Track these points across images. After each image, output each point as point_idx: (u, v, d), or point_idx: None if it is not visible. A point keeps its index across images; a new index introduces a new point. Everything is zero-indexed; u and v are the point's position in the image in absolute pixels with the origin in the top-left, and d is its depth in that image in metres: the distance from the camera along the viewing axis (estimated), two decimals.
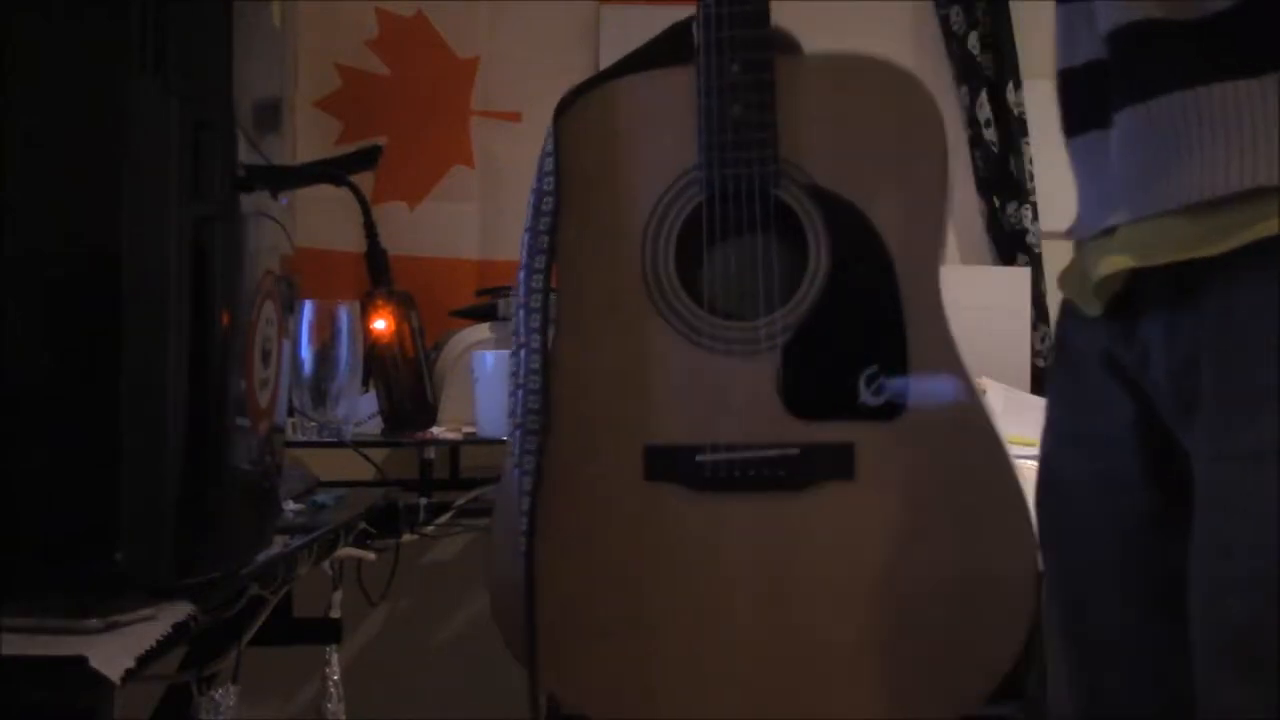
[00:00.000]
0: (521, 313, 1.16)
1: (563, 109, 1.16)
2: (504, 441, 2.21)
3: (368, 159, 1.11)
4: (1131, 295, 0.87)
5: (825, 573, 1.00)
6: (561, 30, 2.70)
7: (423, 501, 2.29)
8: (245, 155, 0.91)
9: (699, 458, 1.06)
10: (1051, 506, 0.95)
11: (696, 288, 1.07)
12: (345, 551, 1.41)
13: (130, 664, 0.73)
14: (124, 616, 0.78)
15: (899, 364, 1.00)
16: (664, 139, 1.09)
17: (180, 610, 0.82)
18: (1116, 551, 0.90)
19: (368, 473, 2.18)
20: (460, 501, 2.40)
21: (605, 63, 2.74)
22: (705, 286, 1.08)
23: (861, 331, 1.03)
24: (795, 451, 1.03)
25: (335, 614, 1.75)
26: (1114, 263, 0.85)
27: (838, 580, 1.00)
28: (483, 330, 2.39)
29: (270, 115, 0.99)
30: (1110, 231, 0.87)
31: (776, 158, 1.04)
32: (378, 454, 2.24)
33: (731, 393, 1.05)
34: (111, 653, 0.73)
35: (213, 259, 0.86)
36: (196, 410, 0.85)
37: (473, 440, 2.23)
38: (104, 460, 0.81)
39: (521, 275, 1.16)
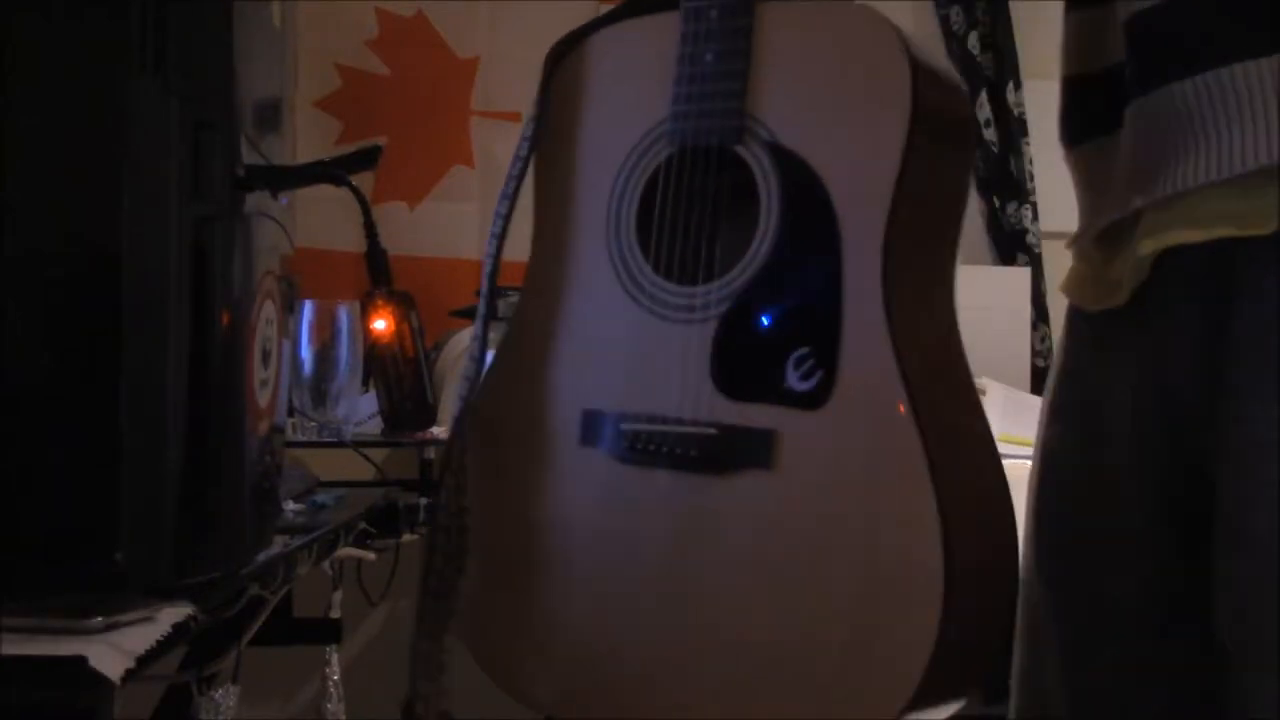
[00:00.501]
0: (488, 263, 1.15)
1: (553, 59, 1.12)
2: None
3: (368, 159, 1.11)
4: (1152, 283, 0.87)
5: (730, 567, 0.94)
6: (561, 30, 2.69)
7: (423, 501, 2.29)
8: (245, 155, 0.91)
9: (623, 426, 1.00)
10: (1055, 513, 0.95)
11: (659, 246, 1.01)
12: (345, 551, 1.41)
13: (130, 664, 0.73)
14: (124, 616, 0.78)
15: (829, 349, 0.91)
16: (646, 89, 1.02)
17: (180, 610, 0.82)
18: (1131, 556, 0.91)
19: (368, 473, 2.18)
20: None
21: None
22: (658, 248, 1.01)
23: (797, 310, 0.94)
24: (713, 432, 0.95)
25: (335, 614, 1.75)
26: (1174, 237, 0.84)
27: (741, 576, 0.94)
28: None
29: (270, 115, 0.99)
30: (1136, 216, 0.87)
31: (742, 111, 0.97)
32: (378, 454, 2.24)
33: (668, 362, 0.98)
34: (111, 653, 0.73)
35: (213, 259, 0.86)
36: (196, 410, 0.85)
37: None
38: (104, 460, 0.81)
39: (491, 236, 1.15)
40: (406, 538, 2.06)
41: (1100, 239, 0.92)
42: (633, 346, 1.02)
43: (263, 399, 0.97)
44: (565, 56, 1.11)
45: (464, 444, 1.07)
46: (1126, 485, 0.89)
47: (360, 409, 1.87)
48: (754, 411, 0.94)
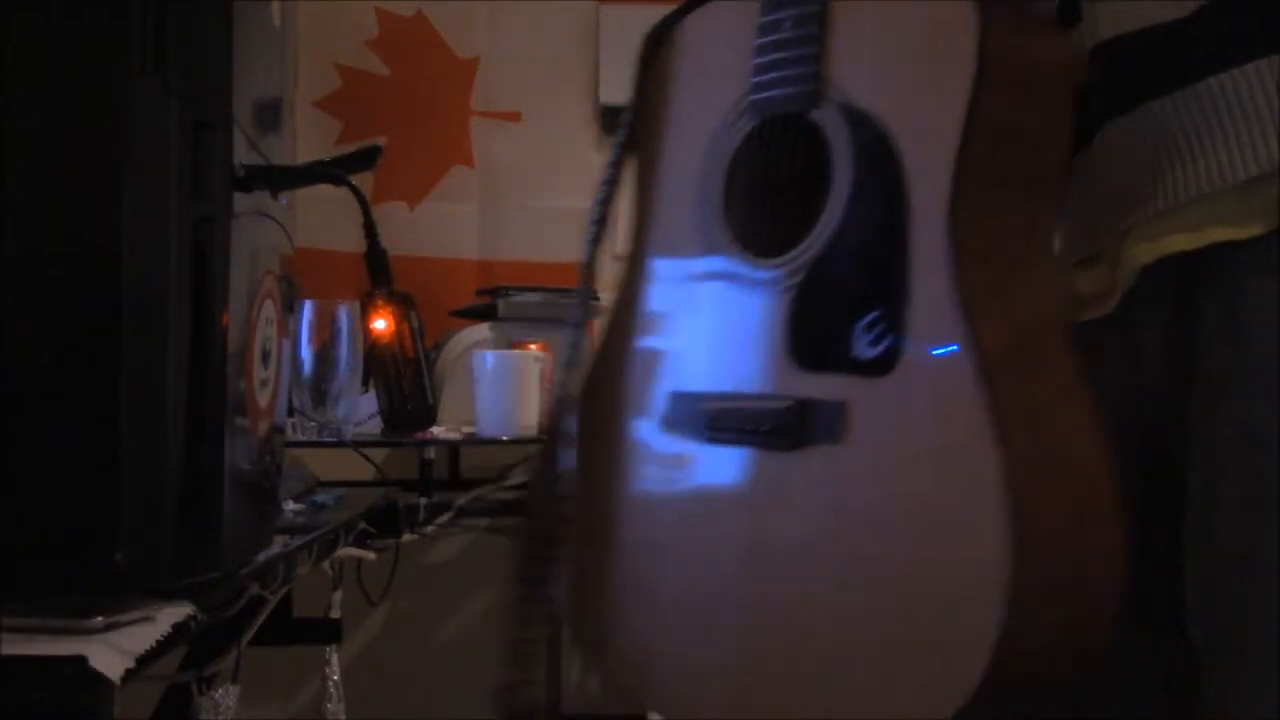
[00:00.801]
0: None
1: (650, 44, 1.08)
2: (503, 441, 2.23)
3: (368, 159, 1.11)
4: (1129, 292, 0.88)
5: (801, 544, 0.92)
6: (561, 30, 2.70)
7: (423, 501, 2.29)
8: (245, 155, 0.91)
9: (704, 406, 0.99)
10: None
11: (744, 223, 1.00)
12: (345, 551, 1.41)
13: (130, 664, 0.73)
14: (124, 616, 0.78)
15: (897, 314, 0.88)
16: (734, 65, 1.00)
17: (180, 610, 0.82)
18: None
19: (368, 473, 2.18)
20: (460, 501, 2.40)
21: (605, 63, 2.76)
22: (741, 224, 1.00)
23: (867, 275, 0.91)
24: (786, 406, 0.93)
25: (335, 614, 1.75)
26: (1169, 244, 0.85)
27: (811, 553, 0.92)
28: (483, 330, 2.39)
29: (270, 115, 0.99)
30: (1125, 231, 0.88)
31: (817, 75, 0.94)
32: (378, 454, 2.24)
33: (748, 338, 0.97)
34: (111, 653, 0.73)
35: (213, 259, 0.86)
36: (196, 410, 0.85)
37: (473, 440, 2.24)
38: (104, 460, 0.81)
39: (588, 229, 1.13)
40: (406, 538, 2.06)
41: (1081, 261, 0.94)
42: (716, 325, 1.01)
43: (263, 399, 0.97)
44: (660, 42, 1.07)
45: (559, 435, 1.07)
46: None
47: (360, 409, 1.87)
48: (825, 382, 0.92)
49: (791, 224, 0.96)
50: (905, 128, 0.90)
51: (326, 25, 2.59)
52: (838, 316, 0.92)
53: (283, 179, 0.98)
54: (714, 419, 0.98)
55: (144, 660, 0.75)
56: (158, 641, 0.77)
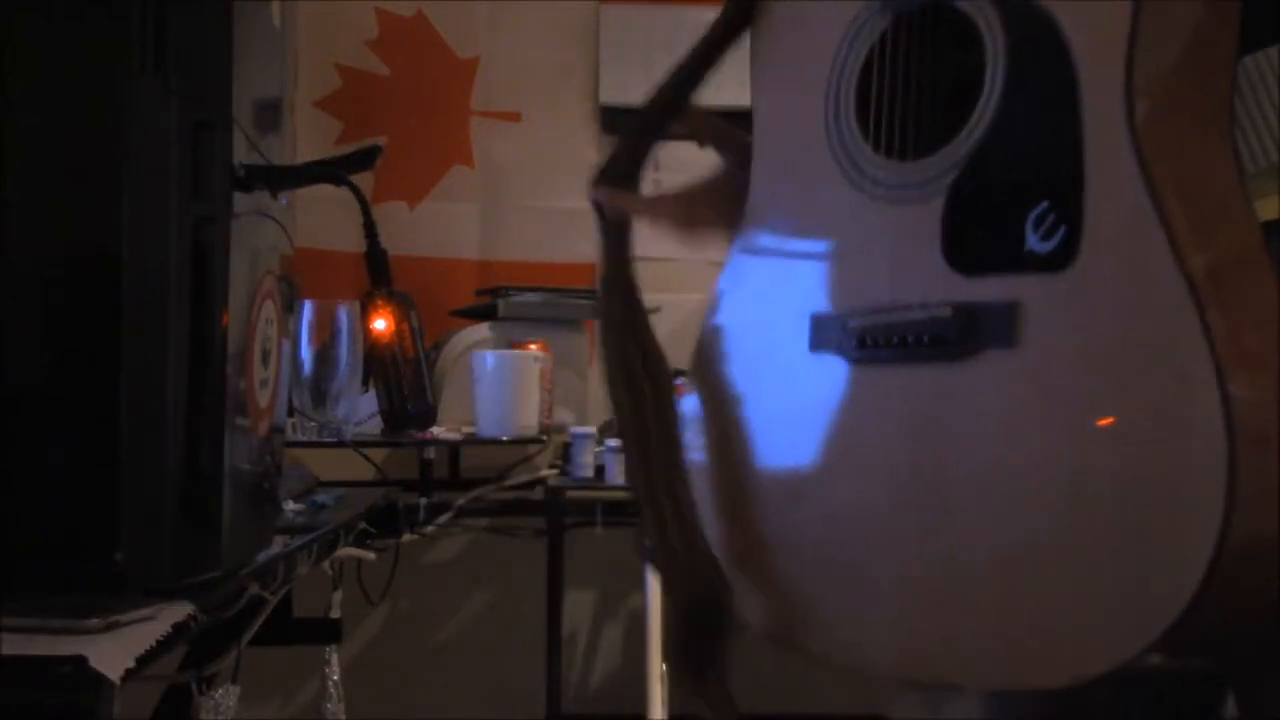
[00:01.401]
0: None
1: None
2: (503, 441, 2.24)
3: (368, 159, 1.11)
4: None
5: (975, 463, 0.84)
6: (561, 30, 2.70)
7: (423, 501, 2.29)
8: (245, 155, 0.91)
9: (851, 324, 0.92)
10: None
11: (883, 127, 0.93)
12: (345, 551, 1.41)
13: (130, 664, 0.73)
14: (124, 616, 0.78)
15: (1072, 201, 0.81)
16: None
17: (180, 610, 0.82)
18: None
19: (368, 473, 2.19)
20: (460, 501, 2.40)
21: (605, 63, 2.76)
22: (878, 126, 0.93)
23: (1033, 165, 0.85)
24: (948, 313, 0.86)
25: (335, 614, 1.75)
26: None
27: (989, 470, 0.84)
28: (483, 330, 2.39)
29: (270, 115, 0.99)
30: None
31: None
32: (378, 454, 2.24)
33: (894, 246, 0.90)
34: (111, 653, 0.73)
35: (213, 259, 0.86)
36: (196, 410, 0.85)
37: (473, 440, 2.24)
38: (104, 460, 0.81)
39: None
40: (406, 538, 2.06)
41: None
42: (858, 238, 0.93)
43: (263, 399, 0.97)
44: None
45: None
46: None
47: (360, 409, 1.87)
48: (991, 284, 0.85)
49: (937, 122, 0.89)
50: (1070, 7, 0.83)
51: (326, 25, 2.59)
52: (1002, 212, 0.85)
53: (283, 179, 0.98)
54: (865, 336, 0.91)
55: (144, 660, 0.75)
56: (158, 641, 0.77)
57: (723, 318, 1.04)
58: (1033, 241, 0.82)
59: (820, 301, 0.96)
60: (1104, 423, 0.79)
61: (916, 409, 0.88)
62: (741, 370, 1.01)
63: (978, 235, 0.87)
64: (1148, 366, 0.78)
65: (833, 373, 0.93)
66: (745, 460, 0.99)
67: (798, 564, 0.95)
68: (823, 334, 0.95)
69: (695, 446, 1.01)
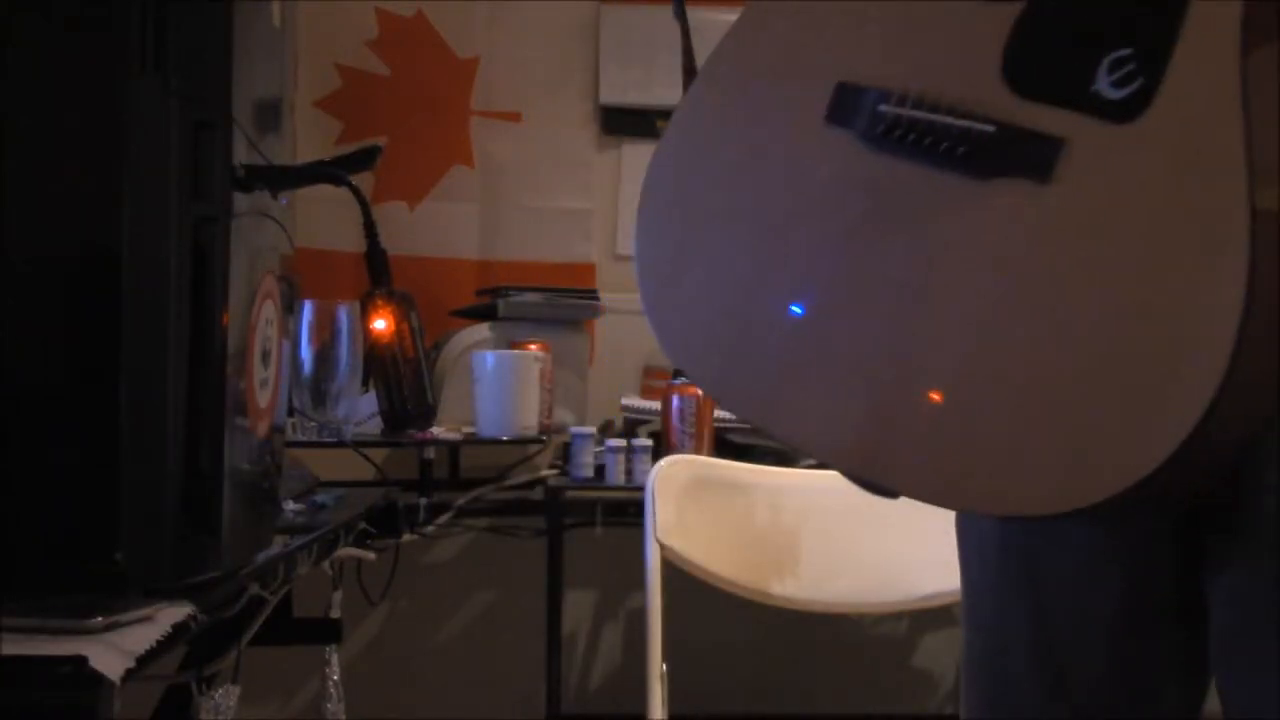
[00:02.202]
0: None
1: None
2: (503, 441, 2.24)
3: (368, 159, 1.11)
4: None
5: (977, 287, 0.81)
6: (561, 30, 2.70)
7: (423, 501, 2.29)
8: (245, 155, 0.91)
9: (881, 108, 0.85)
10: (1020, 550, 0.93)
11: None
12: (345, 551, 1.41)
13: (130, 664, 0.73)
14: (124, 616, 0.78)
15: (1158, 56, 0.76)
16: None
17: (180, 610, 0.82)
18: (1118, 597, 0.89)
19: (368, 473, 2.19)
20: (460, 501, 2.40)
21: (605, 63, 2.76)
22: None
23: (1133, 5, 0.79)
24: (990, 130, 0.81)
25: (335, 614, 1.75)
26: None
27: (989, 290, 0.81)
28: (483, 330, 2.39)
29: (270, 115, 0.99)
30: None
31: None
32: (378, 454, 2.24)
33: (951, 39, 0.84)
34: (111, 653, 0.73)
35: (213, 259, 0.86)
36: (196, 410, 0.85)
37: (473, 440, 2.24)
38: (104, 460, 0.81)
39: None
40: (406, 538, 2.06)
41: None
42: (909, 12, 0.87)
43: (263, 399, 0.97)
44: None
45: None
46: None
47: (360, 409, 1.87)
48: (1042, 113, 0.80)
49: None
50: None
51: (326, 25, 2.59)
52: (1080, 43, 0.80)
53: (283, 179, 0.98)
54: (893, 126, 0.84)
55: (144, 660, 0.75)
56: (158, 641, 0.77)
57: (737, 51, 0.94)
58: (1103, 84, 0.79)
59: (852, 69, 0.88)
60: (1114, 272, 0.77)
61: (925, 213, 0.83)
62: (742, 115, 0.93)
63: (1046, 58, 0.81)
64: (1182, 231, 0.76)
65: (844, 151, 0.87)
66: (732, 211, 0.92)
67: (773, 338, 0.89)
68: (845, 106, 0.87)
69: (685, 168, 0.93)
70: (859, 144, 0.86)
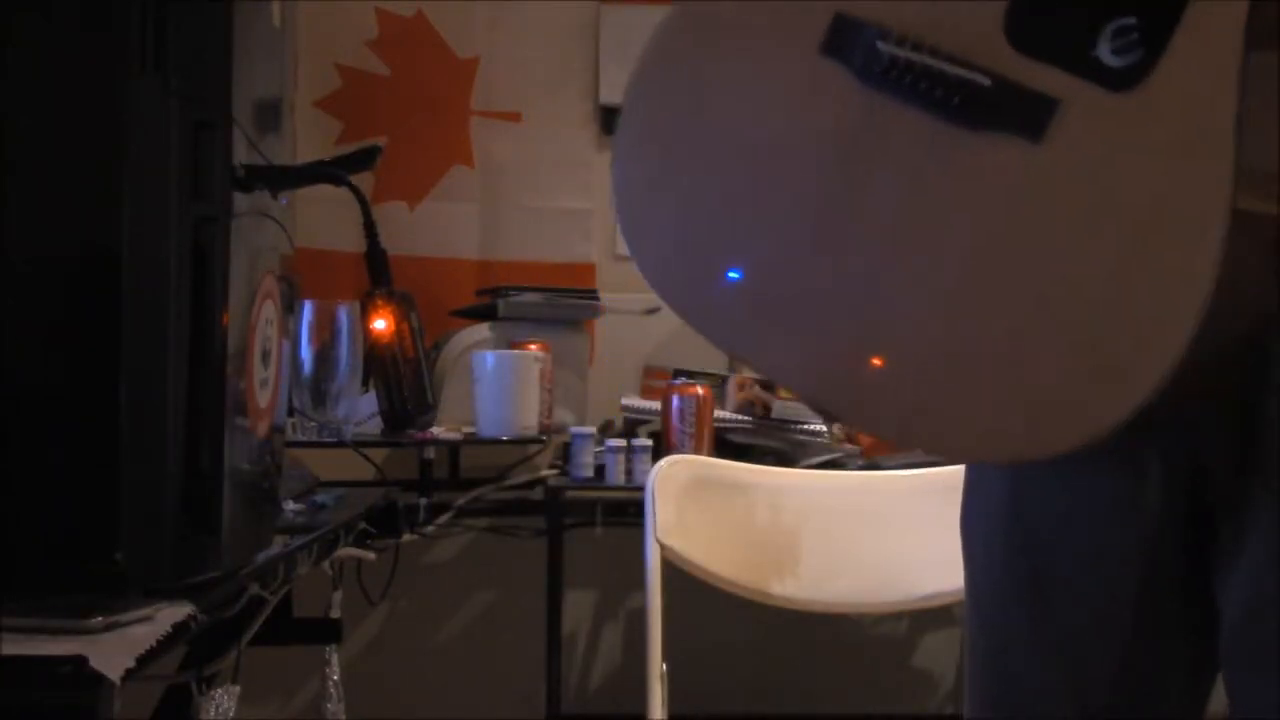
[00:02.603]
0: None
1: None
2: (503, 441, 2.24)
3: (368, 159, 1.11)
4: None
5: (956, 235, 0.83)
6: (561, 30, 2.70)
7: (423, 501, 2.29)
8: (245, 155, 0.91)
9: (880, 45, 0.85)
10: (1029, 550, 0.93)
11: None
12: (345, 551, 1.41)
13: (130, 664, 0.73)
14: (124, 616, 0.78)
15: (1162, 27, 0.78)
16: None
17: (180, 610, 0.82)
18: (1129, 597, 0.88)
19: (368, 473, 2.19)
20: (460, 501, 2.40)
21: (605, 63, 2.76)
22: None
23: None
24: (986, 83, 0.82)
25: (335, 614, 1.75)
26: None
27: (963, 249, 0.83)
28: (483, 330, 2.39)
29: (270, 115, 0.99)
30: None
31: None
32: (378, 454, 2.24)
33: None
34: (111, 653, 0.73)
35: (213, 259, 0.86)
36: (196, 410, 0.85)
37: (473, 440, 2.24)
38: (104, 460, 0.81)
39: None
40: (406, 538, 2.06)
41: None
42: None
43: (263, 399, 0.97)
44: None
45: None
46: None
47: (360, 409, 1.87)
48: (1039, 71, 0.81)
49: None
50: None
51: (326, 25, 2.59)
52: (1083, 8, 0.81)
53: (283, 179, 0.98)
54: (891, 65, 0.84)
55: (144, 660, 0.75)
56: (158, 641, 0.77)
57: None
58: (1103, 50, 0.79)
59: (852, 1, 0.87)
60: (1092, 245, 0.79)
61: (911, 158, 0.84)
62: (732, 37, 0.92)
63: (1049, 17, 0.82)
64: (1163, 209, 0.78)
65: (836, 85, 0.87)
66: (713, 136, 0.92)
67: (747, 268, 0.90)
68: (842, 38, 0.87)
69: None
70: (852, 79, 0.86)
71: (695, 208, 0.92)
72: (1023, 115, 0.81)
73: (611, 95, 2.68)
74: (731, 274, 0.90)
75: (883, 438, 0.85)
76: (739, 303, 0.89)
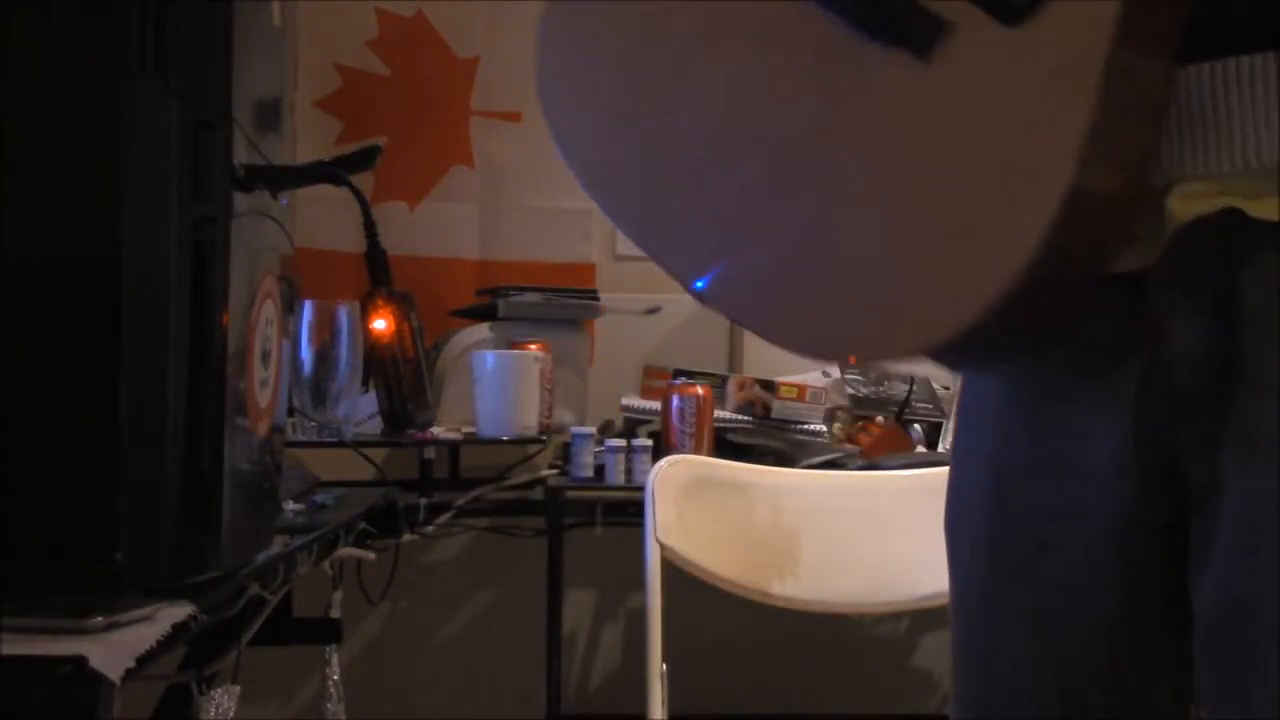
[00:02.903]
0: None
1: None
2: (503, 441, 2.24)
3: (368, 159, 1.12)
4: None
5: (857, 141, 0.87)
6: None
7: (423, 501, 2.29)
8: (245, 155, 0.91)
9: None
10: (1015, 549, 0.94)
11: None
12: (345, 551, 1.41)
13: (130, 664, 0.73)
14: (124, 616, 0.78)
15: None
16: None
17: (180, 610, 0.82)
18: (1116, 596, 0.89)
19: (368, 473, 2.19)
20: (460, 501, 2.40)
21: None
22: None
23: None
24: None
25: (335, 614, 1.75)
26: (1216, 204, 0.83)
27: (859, 155, 0.87)
28: (483, 330, 2.39)
29: (270, 115, 0.99)
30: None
31: None
32: (378, 454, 2.24)
33: None
34: (111, 653, 0.73)
35: (213, 259, 0.86)
36: (196, 410, 0.85)
37: (473, 440, 2.24)
38: (104, 460, 0.81)
39: None
40: (406, 538, 2.06)
41: None
42: None
43: (263, 399, 0.97)
44: None
45: None
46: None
47: (360, 409, 1.87)
48: None
49: None
50: None
51: (326, 25, 2.59)
52: None
53: (283, 179, 0.98)
54: None
55: (144, 660, 0.75)
56: (158, 641, 0.77)
57: None
58: None
59: None
60: (965, 150, 0.84)
61: (824, 64, 0.89)
62: None
63: None
64: (1023, 144, 0.82)
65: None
66: (630, 34, 0.97)
67: (660, 168, 0.95)
68: None
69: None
70: None
71: (614, 108, 0.98)
72: (914, 33, 0.85)
73: None
74: (646, 170, 0.95)
75: (752, 330, 0.90)
76: (651, 199, 0.94)
